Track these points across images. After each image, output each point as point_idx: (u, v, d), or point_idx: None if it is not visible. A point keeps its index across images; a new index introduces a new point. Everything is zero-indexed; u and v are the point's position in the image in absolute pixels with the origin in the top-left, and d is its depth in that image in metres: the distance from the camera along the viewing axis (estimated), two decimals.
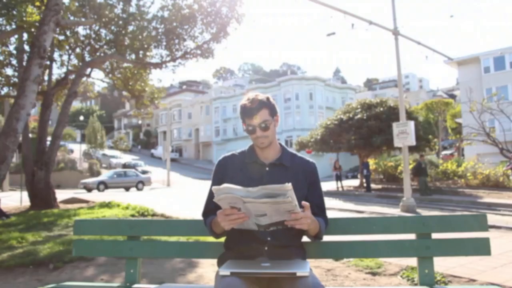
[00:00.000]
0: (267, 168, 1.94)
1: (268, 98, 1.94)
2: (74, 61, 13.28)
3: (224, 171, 1.98)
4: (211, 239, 2.04)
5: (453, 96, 55.82)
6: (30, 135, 11.78)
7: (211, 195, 2.02)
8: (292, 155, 2.02)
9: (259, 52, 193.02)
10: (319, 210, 1.98)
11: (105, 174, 27.43)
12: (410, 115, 19.22)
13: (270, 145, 1.95)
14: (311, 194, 1.97)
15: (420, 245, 2.06)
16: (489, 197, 14.99)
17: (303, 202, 1.70)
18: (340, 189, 20.81)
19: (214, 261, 2.04)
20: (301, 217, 1.65)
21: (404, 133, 11.94)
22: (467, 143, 23.31)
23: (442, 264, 3.91)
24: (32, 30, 9.20)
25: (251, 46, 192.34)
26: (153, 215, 8.38)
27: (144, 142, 65.31)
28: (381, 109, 20.28)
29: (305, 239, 1.97)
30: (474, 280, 3.49)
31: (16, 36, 10.87)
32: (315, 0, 11.75)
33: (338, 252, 2.14)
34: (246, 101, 1.91)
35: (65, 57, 13.05)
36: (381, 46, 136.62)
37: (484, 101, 18.75)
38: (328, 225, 2.03)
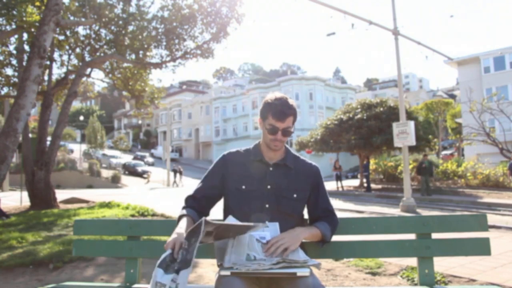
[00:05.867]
0: (270, 168, 1.96)
1: (295, 105, 1.92)
2: (74, 61, 13.27)
3: (227, 166, 1.98)
4: None
5: (453, 96, 55.78)
6: (30, 135, 11.75)
7: (203, 185, 2.00)
8: (296, 157, 2.03)
9: (259, 52, 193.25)
10: (327, 212, 2.01)
11: None
12: (410, 115, 19.25)
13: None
14: (317, 198, 1.99)
15: (420, 245, 2.07)
16: (489, 197, 14.99)
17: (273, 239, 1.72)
18: (340, 189, 20.81)
19: (214, 261, 2.04)
20: (271, 244, 1.68)
21: (404, 133, 11.95)
22: (467, 143, 23.28)
23: (442, 264, 3.91)
24: (32, 30, 9.20)
25: (251, 46, 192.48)
26: (153, 215, 8.37)
27: (144, 142, 65.28)
28: (381, 109, 20.27)
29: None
30: (474, 280, 3.49)
31: (16, 36, 10.86)
32: (315, 0, 11.76)
33: (338, 252, 2.13)
34: (277, 101, 1.87)
35: (65, 57, 13.04)
36: (381, 46, 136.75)
37: (484, 101, 18.73)
38: (338, 224, 2.03)
